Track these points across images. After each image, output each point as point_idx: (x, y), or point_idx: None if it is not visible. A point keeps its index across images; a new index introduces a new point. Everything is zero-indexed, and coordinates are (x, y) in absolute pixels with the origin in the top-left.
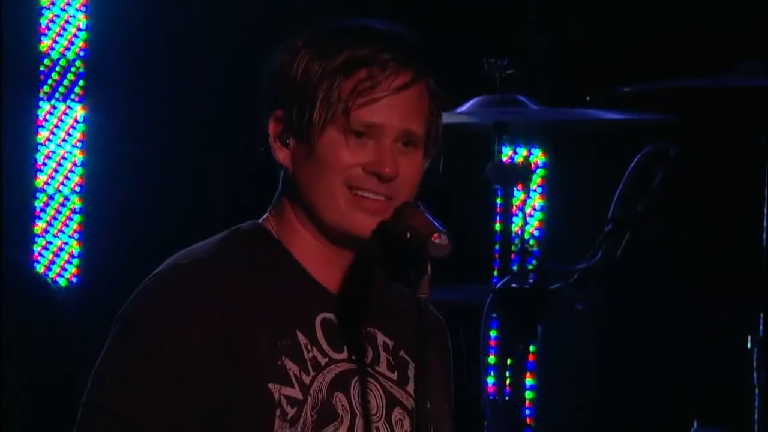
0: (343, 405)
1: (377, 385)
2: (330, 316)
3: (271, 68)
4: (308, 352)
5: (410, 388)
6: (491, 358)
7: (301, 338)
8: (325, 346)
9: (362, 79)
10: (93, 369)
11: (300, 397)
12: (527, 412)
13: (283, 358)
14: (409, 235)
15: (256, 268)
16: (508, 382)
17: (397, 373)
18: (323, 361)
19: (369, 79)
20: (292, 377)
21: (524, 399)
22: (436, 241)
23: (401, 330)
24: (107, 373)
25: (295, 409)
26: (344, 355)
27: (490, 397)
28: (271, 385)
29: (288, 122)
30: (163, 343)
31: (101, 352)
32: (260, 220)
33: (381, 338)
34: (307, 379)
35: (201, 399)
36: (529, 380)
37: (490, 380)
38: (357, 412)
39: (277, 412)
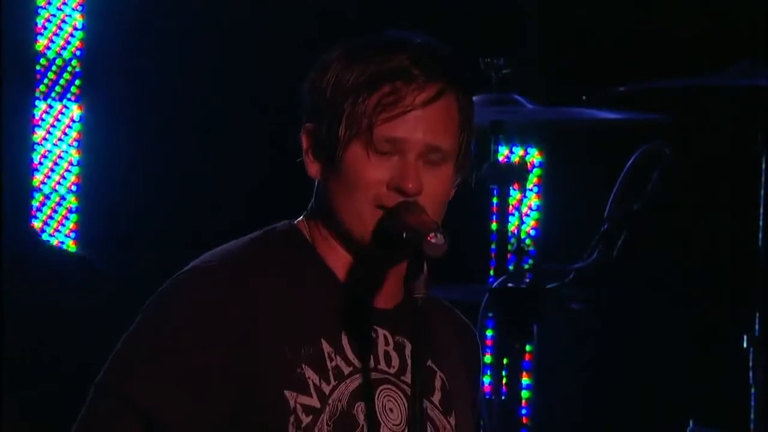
0: (365, 415)
1: (401, 395)
2: (359, 323)
3: (306, 81)
4: (331, 360)
5: (435, 398)
6: (488, 358)
7: (325, 346)
8: (350, 355)
9: (386, 93)
10: (112, 352)
11: (317, 405)
12: (523, 411)
13: (304, 366)
14: (405, 234)
15: (286, 270)
16: (504, 381)
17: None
18: (347, 370)
19: (393, 93)
20: (311, 386)
21: (520, 398)
22: (433, 240)
23: (431, 340)
24: (125, 359)
25: (311, 417)
26: (371, 364)
27: (487, 397)
28: (287, 393)
29: (318, 136)
30: (184, 341)
31: (122, 337)
32: (295, 222)
33: (410, 348)
34: (327, 389)
35: (216, 399)
36: (525, 380)
37: (487, 380)
38: (380, 422)
39: (291, 419)
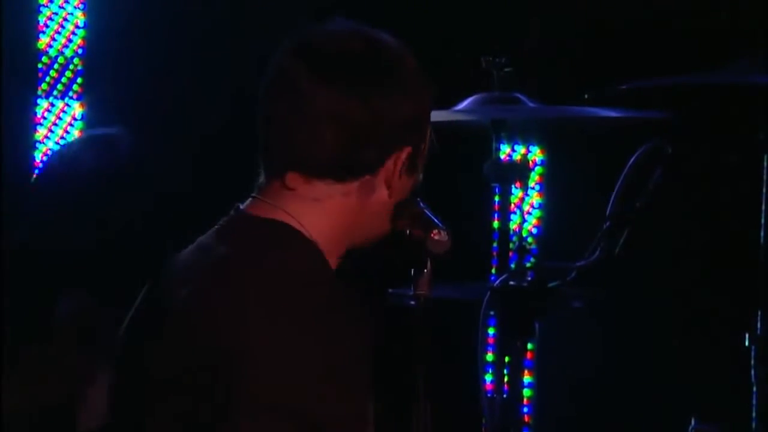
0: None
1: None
2: None
3: (410, 101)
4: None
5: None
6: (489, 356)
7: None
8: None
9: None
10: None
11: None
12: (525, 409)
13: None
14: (408, 231)
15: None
16: (506, 379)
17: None
18: None
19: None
20: None
21: (522, 397)
22: (436, 237)
23: None
24: (307, 380)
25: None
26: None
27: (488, 395)
28: None
29: (410, 160)
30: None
31: (280, 353)
32: (281, 220)
33: None
34: None
35: None
36: (527, 378)
37: (488, 378)
38: None
39: None
